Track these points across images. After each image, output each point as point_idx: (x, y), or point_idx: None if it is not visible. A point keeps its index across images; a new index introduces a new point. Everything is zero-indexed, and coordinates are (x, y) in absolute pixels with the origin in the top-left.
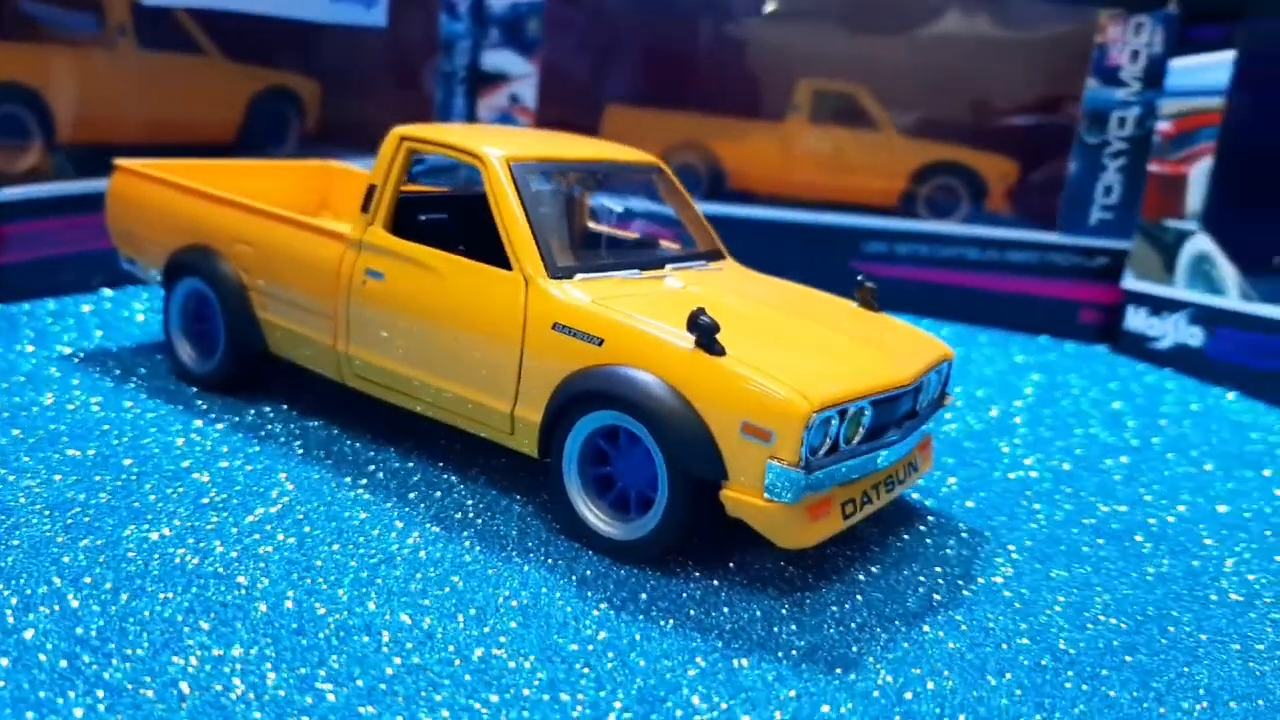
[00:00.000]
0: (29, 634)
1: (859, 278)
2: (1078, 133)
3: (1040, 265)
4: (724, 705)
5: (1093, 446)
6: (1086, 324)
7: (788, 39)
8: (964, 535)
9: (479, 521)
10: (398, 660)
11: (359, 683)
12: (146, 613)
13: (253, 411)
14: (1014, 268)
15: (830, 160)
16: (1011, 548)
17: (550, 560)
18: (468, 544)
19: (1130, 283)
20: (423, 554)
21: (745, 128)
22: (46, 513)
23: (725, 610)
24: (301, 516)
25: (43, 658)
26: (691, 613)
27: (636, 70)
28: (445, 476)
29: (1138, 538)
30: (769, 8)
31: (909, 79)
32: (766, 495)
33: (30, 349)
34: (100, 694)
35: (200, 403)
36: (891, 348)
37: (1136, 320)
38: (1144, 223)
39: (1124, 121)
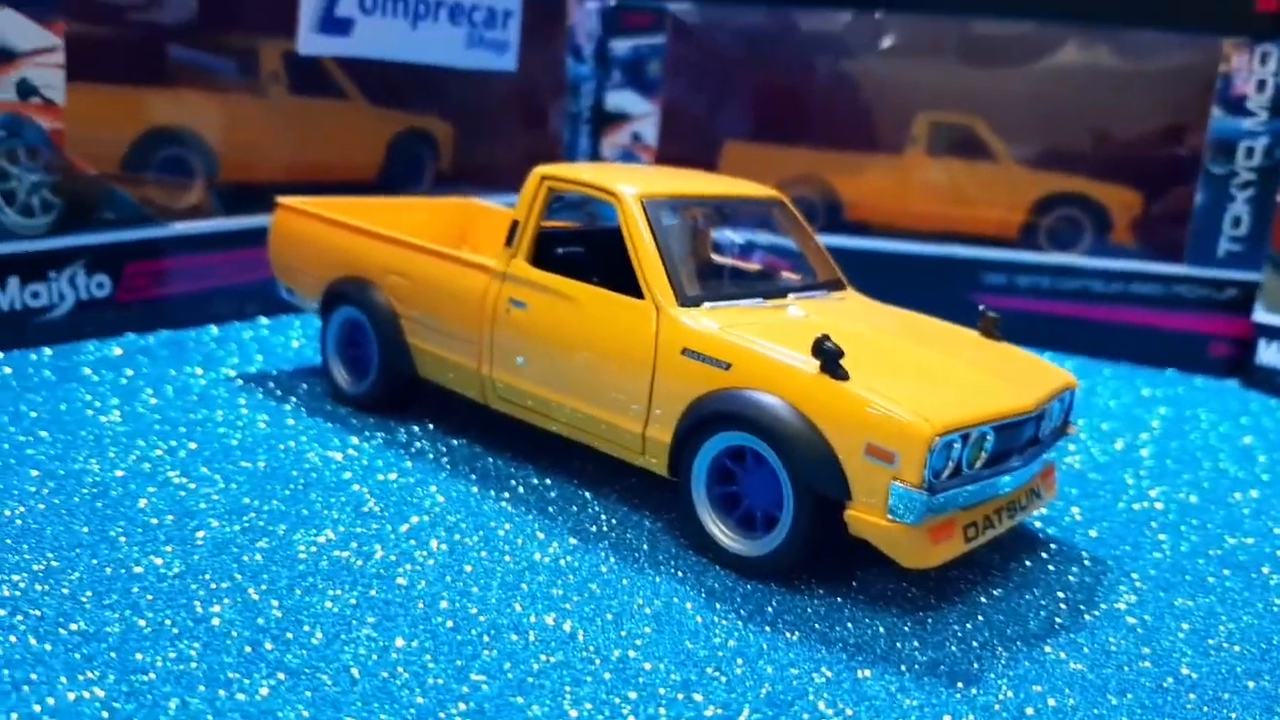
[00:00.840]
0: (215, 622)
1: (981, 308)
2: (1204, 163)
3: (1166, 298)
4: (849, 712)
5: (1221, 480)
6: (1216, 358)
7: (904, 73)
8: (1087, 563)
9: (613, 535)
10: (544, 657)
11: (509, 675)
12: (318, 607)
13: (403, 430)
14: (1139, 300)
15: (948, 192)
16: (1135, 576)
17: (680, 573)
18: (603, 555)
19: (1261, 316)
20: (563, 562)
21: (862, 161)
22: (226, 516)
23: (849, 625)
24: (451, 525)
25: (229, 643)
26: (816, 626)
27: (753, 107)
28: (580, 493)
29: (1265, 569)
30: (885, 43)
31: (1028, 111)
32: (889, 516)
33: (199, 371)
34: (281, 676)
35: (355, 421)
36: (1014, 375)
37: (1269, 354)
38: (1275, 254)
39: (1251, 151)
